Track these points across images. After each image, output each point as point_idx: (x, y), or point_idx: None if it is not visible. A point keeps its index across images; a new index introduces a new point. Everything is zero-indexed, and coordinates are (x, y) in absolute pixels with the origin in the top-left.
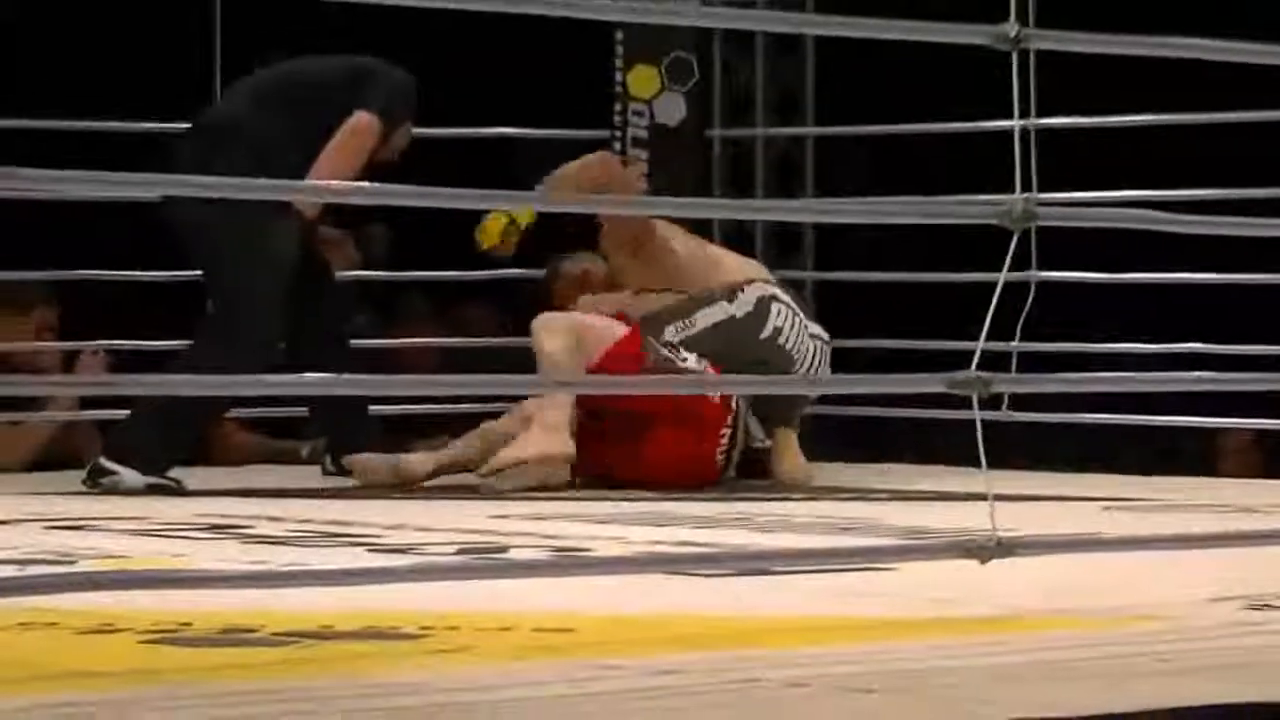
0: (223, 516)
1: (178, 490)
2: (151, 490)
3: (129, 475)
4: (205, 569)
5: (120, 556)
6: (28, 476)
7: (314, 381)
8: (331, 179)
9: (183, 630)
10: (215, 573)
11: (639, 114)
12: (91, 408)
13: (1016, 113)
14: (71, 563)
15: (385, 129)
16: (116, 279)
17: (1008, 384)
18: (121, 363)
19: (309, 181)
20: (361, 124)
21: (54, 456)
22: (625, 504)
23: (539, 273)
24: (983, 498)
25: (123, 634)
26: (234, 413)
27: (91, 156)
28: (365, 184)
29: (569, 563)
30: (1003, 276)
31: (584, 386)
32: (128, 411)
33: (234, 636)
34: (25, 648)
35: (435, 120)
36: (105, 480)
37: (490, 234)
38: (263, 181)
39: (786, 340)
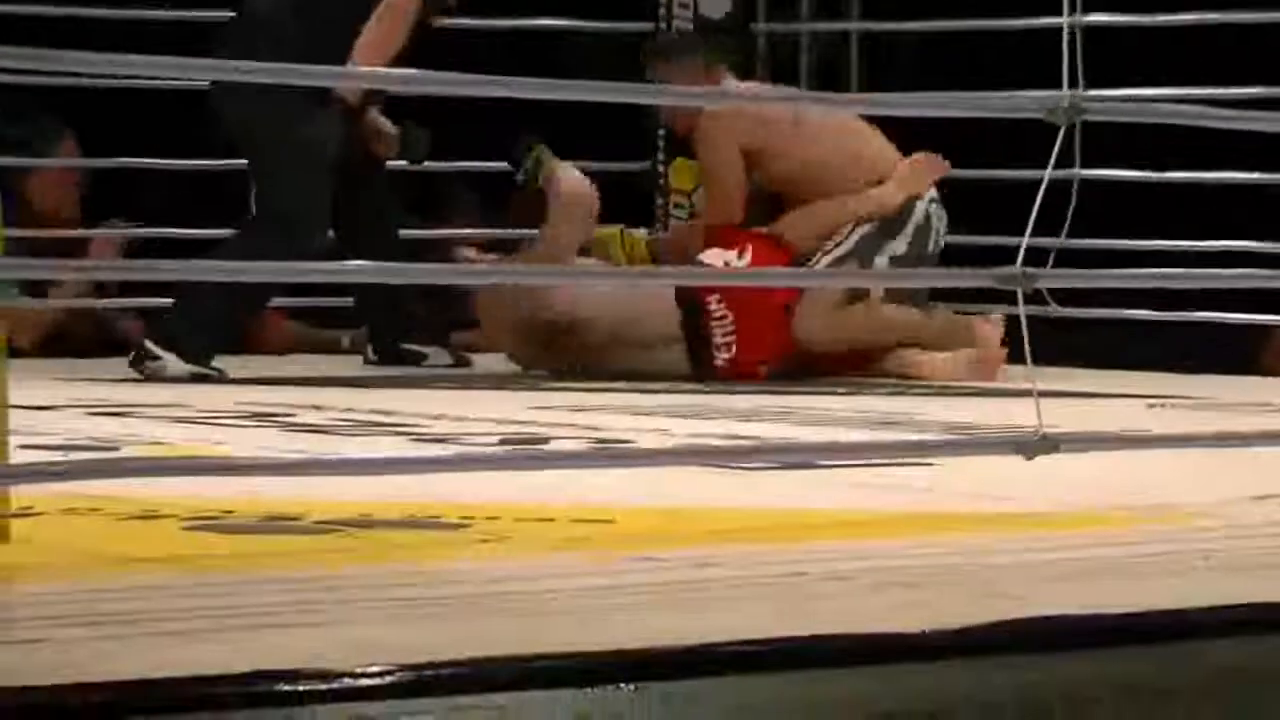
0: (264, 405)
1: (220, 379)
2: (195, 378)
3: (173, 361)
4: (247, 456)
5: (162, 444)
6: (77, 363)
7: (356, 270)
8: (372, 62)
9: (225, 517)
10: (257, 460)
11: (684, 6)
12: (102, 292)
13: (1066, 9)
14: (114, 449)
15: (423, 4)
16: (165, 168)
17: (1052, 280)
18: (148, 246)
19: (352, 68)
20: (397, 1)
21: (66, 338)
22: (667, 396)
23: (580, 165)
24: (1027, 394)
25: (165, 520)
26: (276, 301)
27: (136, 46)
28: (413, 71)
29: (609, 454)
30: (1047, 173)
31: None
32: (166, 299)
33: (276, 524)
34: (68, 533)
35: (480, 11)
36: (150, 365)
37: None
38: (308, 67)
39: None
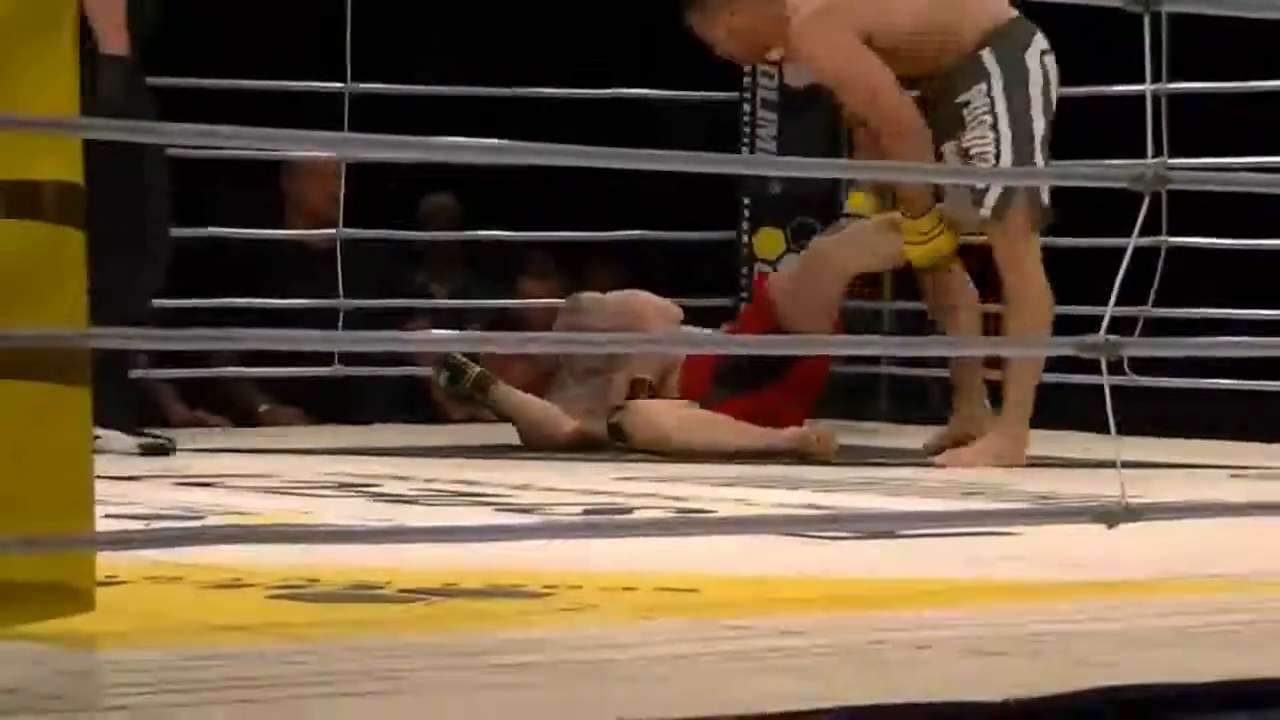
0: (350, 475)
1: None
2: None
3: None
4: (330, 524)
5: (247, 513)
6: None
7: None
8: None
9: (309, 586)
10: (342, 528)
11: (768, 76)
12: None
13: (1149, 76)
14: (199, 518)
15: None
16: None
17: (1138, 348)
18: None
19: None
20: None
21: None
22: (749, 467)
23: (665, 235)
24: (1109, 464)
25: (250, 589)
26: None
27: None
28: (498, 142)
29: (692, 523)
30: (1132, 241)
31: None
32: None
33: (360, 592)
34: (153, 602)
35: (568, 81)
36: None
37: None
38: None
39: None
